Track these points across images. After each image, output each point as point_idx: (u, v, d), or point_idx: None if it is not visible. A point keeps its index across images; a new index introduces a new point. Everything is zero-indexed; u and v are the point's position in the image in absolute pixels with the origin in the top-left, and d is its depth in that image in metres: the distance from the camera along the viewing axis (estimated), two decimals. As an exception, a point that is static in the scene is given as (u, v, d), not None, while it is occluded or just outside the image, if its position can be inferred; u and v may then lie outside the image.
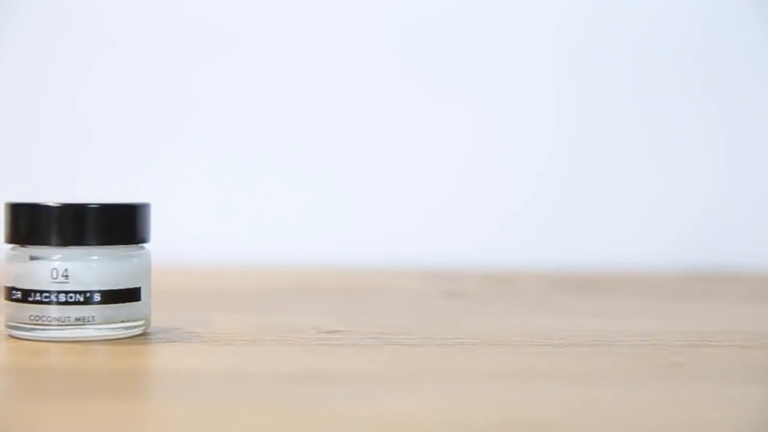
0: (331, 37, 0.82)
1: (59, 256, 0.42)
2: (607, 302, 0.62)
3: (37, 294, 0.42)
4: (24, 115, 0.82)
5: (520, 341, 0.44)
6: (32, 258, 0.43)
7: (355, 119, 0.82)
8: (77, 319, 0.42)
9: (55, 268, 0.42)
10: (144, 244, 0.45)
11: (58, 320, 0.42)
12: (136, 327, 0.44)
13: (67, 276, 0.42)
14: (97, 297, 0.42)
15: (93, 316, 0.42)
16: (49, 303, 0.42)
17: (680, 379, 0.37)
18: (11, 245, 0.44)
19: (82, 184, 0.81)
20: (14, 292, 0.43)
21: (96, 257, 0.43)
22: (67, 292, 0.42)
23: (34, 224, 0.43)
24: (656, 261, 0.80)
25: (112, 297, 0.43)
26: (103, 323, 0.43)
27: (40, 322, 0.42)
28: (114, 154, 0.82)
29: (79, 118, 0.82)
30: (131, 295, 0.43)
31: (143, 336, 0.44)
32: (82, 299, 0.42)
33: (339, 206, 0.82)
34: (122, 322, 0.43)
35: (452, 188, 0.83)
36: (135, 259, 0.44)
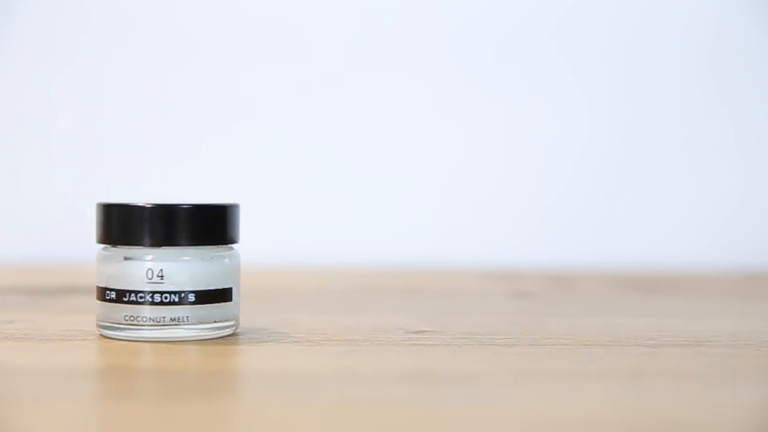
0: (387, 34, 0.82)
1: (152, 256, 0.42)
2: (677, 302, 0.61)
3: (132, 294, 0.42)
4: (107, 116, 0.82)
5: (610, 341, 0.44)
6: (126, 258, 0.43)
7: (416, 119, 0.82)
8: (172, 320, 0.42)
9: (150, 269, 0.42)
10: (233, 245, 0.45)
11: (152, 320, 0.42)
12: (227, 327, 0.44)
13: (162, 276, 0.42)
14: (191, 297, 0.42)
15: (187, 317, 0.42)
16: (143, 303, 0.42)
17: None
18: (103, 245, 0.44)
19: (160, 185, 0.81)
20: (108, 292, 0.43)
21: (188, 258, 0.43)
22: (162, 293, 0.42)
23: (127, 225, 0.43)
24: (704, 260, 0.80)
25: (205, 297, 0.43)
26: (197, 323, 0.43)
27: (134, 322, 0.42)
28: (187, 155, 0.82)
29: (161, 119, 0.82)
30: (223, 295, 0.43)
31: (233, 336, 0.44)
32: (176, 299, 0.42)
33: (391, 206, 0.82)
34: (214, 322, 0.43)
35: (501, 187, 0.83)
36: (226, 260, 0.44)
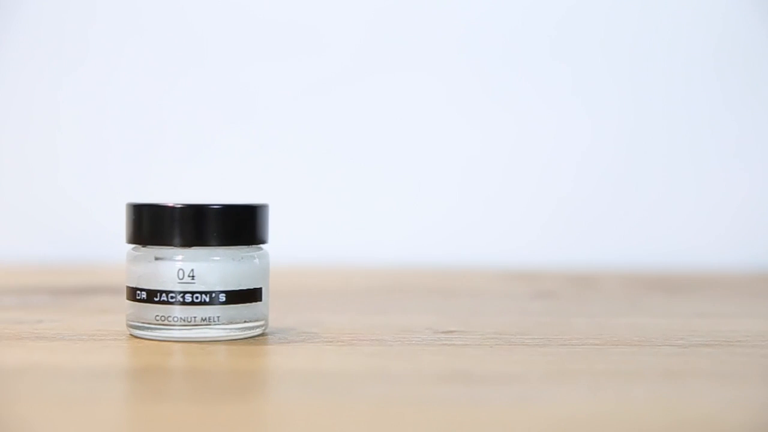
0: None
1: (182, 256, 0.43)
2: (700, 302, 0.61)
3: (163, 294, 0.42)
4: (140, 118, 0.82)
5: (640, 341, 0.44)
6: (157, 258, 0.43)
7: (438, 120, 0.82)
8: (203, 320, 0.42)
9: (181, 269, 0.42)
10: (262, 245, 0.45)
11: (183, 320, 0.42)
12: (257, 327, 0.44)
13: (193, 276, 0.42)
14: (222, 297, 0.42)
15: (218, 317, 0.42)
16: (174, 303, 0.42)
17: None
18: (132, 245, 0.44)
19: (185, 186, 0.81)
20: (139, 292, 0.43)
21: (218, 258, 0.43)
22: (193, 293, 0.42)
23: (158, 225, 0.43)
24: (724, 259, 0.80)
25: (236, 297, 0.43)
26: (227, 323, 0.43)
27: (165, 322, 0.42)
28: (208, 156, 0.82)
29: (186, 120, 0.82)
30: (253, 295, 0.43)
31: (262, 336, 0.44)
32: (207, 299, 0.42)
33: (406, 206, 0.82)
34: (244, 322, 0.43)
35: (519, 187, 0.83)
36: (256, 260, 0.44)
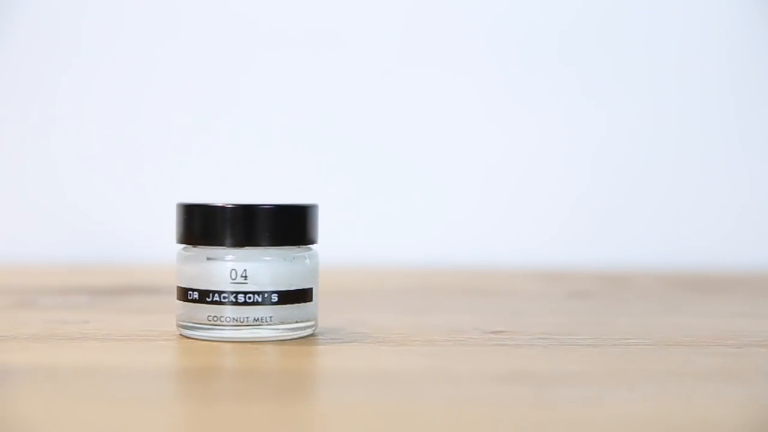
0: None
1: (233, 256, 0.42)
2: (738, 302, 0.61)
3: (215, 294, 0.42)
4: (191, 120, 0.82)
5: (692, 341, 0.44)
6: (209, 259, 0.43)
7: (471, 118, 0.82)
8: (255, 320, 0.42)
9: (234, 269, 0.42)
10: (311, 245, 0.44)
11: (236, 321, 0.42)
12: (307, 328, 0.44)
13: (245, 277, 0.42)
14: (274, 297, 0.42)
15: (270, 317, 0.42)
16: (226, 303, 0.42)
17: None
18: (183, 246, 0.44)
19: (235, 186, 0.81)
20: (191, 292, 0.43)
21: (269, 258, 0.43)
22: (245, 293, 0.42)
23: (209, 225, 0.43)
24: (755, 260, 0.80)
25: (288, 298, 0.43)
26: (279, 324, 0.43)
27: (217, 322, 0.42)
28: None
29: (243, 120, 0.82)
30: (304, 295, 0.43)
31: (312, 337, 0.44)
32: (260, 300, 0.42)
33: (437, 206, 0.82)
34: (296, 322, 0.43)
35: (550, 188, 0.83)
36: (307, 260, 0.44)
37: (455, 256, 0.80)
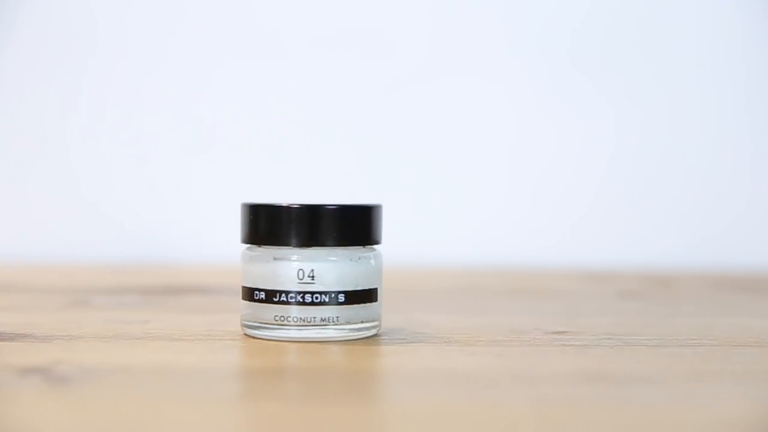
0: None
1: (298, 256, 0.43)
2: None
3: (282, 294, 0.42)
4: (245, 118, 0.82)
5: (756, 342, 0.44)
6: (275, 259, 0.43)
7: (509, 119, 0.82)
8: (322, 320, 0.42)
9: (301, 269, 0.42)
10: (375, 246, 0.45)
11: (302, 320, 0.42)
12: (372, 328, 0.44)
13: (313, 277, 0.42)
14: (341, 298, 0.42)
15: (337, 317, 0.43)
16: (292, 303, 0.42)
17: None
18: (247, 245, 0.44)
19: (295, 187, 0.81)
20: (257, 292, 0.43)
21: (335, 258, 0.43)
22: (312, 293, 0.42)
23: (275, 225, 0.43)
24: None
25: (354, 298, 0.43)
26: (345, 324, 0.43)
27: (284, 322, 0.42)
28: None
29: (299, 120, 0.82)
30: (370, 296, 0.43)
31: (376, 337, 0.44)
32: (327, 300, 0.42)
33: (481, 207, 0.82)
34: (361, 322, 0.43)
35: (593, 190, 0.83)
36: (372, 260, 0.44)
37: (505, 257, 0.80)
